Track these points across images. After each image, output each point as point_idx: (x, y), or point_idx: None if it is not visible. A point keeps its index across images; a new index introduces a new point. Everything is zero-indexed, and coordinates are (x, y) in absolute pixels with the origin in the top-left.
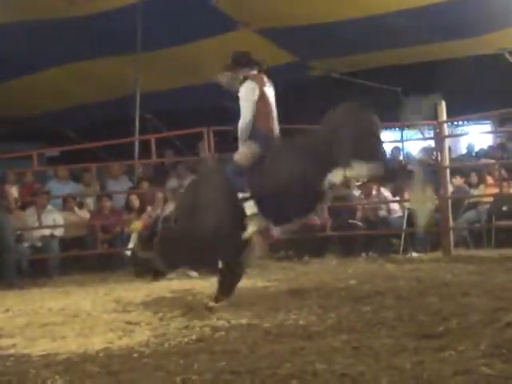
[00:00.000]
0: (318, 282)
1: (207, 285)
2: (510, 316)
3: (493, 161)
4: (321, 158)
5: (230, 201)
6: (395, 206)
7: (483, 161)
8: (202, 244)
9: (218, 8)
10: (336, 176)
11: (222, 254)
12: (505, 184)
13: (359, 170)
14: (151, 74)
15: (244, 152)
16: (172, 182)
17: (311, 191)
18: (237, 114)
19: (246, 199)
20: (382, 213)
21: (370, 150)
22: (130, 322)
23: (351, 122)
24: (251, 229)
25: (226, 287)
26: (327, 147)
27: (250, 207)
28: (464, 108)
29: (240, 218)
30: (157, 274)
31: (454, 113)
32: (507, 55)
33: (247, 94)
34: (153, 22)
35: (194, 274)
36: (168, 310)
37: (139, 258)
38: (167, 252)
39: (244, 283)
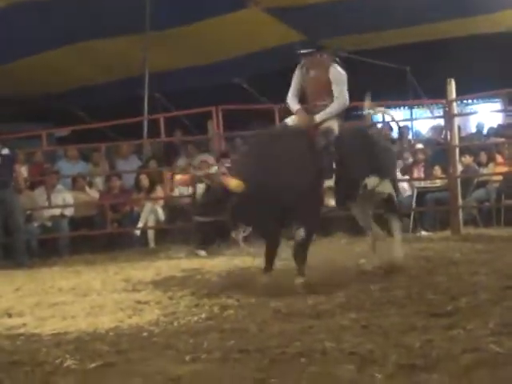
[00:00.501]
0: (327, 261)
1: (216, 263)
2: None
3: (503, 139)
4: (366, 160)
5: (315, 168)
6: (404, 185)
7: (493, 139)
8: (278, 207)
9: None
10: (371, 182)
11: (309, 220)
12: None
13: (385, 187)
14: (160, 53)
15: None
16: (181, 161)
17: (359, 183)
18: (248, 93)
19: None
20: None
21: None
22: (139, 301)
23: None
24: (329, 202)
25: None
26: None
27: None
28: (474, 86)
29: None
30: (207, 241)
31: (464, 91)
32: None
33: (344, 78)
34: (161, 0)
35: (202, 253)
36: (177, 288)
37: (202, 224)
38: (239, 213)
39: (252, 262)
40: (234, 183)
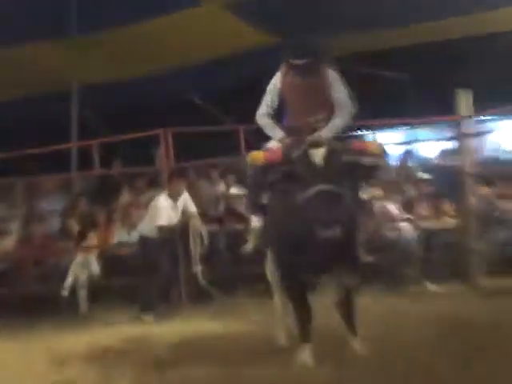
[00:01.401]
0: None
1: (164, 331)
2: None
3: None
4: None
5: None
6: (405, 226)
7: None
8: None
9: None
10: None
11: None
12: None
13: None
14: (93, 61)
15: None
16: (124, 198)
17: None
18: (202, 112)
19: None
20: (389, 233)
21: None
22: (67, 382)
23: None
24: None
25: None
26: None
27: None
28: (490, 99)
29: None
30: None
31: (479, 106)
32: None
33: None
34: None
35: (148, 317)
36: (117, 364)
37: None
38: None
39: (206, 327)
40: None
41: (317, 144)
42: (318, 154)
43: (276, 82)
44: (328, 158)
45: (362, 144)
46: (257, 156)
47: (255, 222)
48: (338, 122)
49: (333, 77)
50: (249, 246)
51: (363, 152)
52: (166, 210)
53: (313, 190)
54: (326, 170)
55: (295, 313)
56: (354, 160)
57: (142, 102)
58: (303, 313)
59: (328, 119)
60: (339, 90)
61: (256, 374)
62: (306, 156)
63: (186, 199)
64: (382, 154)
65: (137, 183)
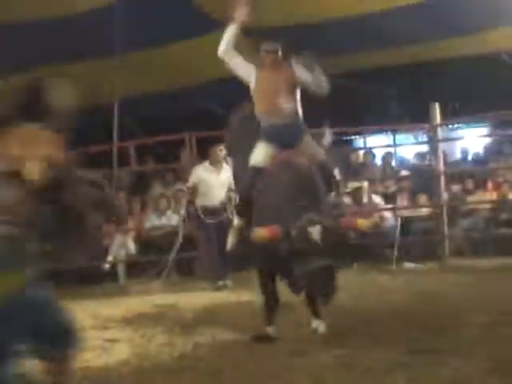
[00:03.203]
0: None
1: (190, 299)
2: (509, 331)
3: (495, 164)
4: None
5: None
6: (388, 215)
7: (492, 165)
8: None
9: (198, 7)
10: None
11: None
12: (504, 190)
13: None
14: (129, 78)
15: None
16: (156, 190)
17: None
18: (221, 119)
19: None
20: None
21: None
22: (108, 340)
23: None
24: None
25: None
26: None
27: None
28: (459, 111)
29: None
30: None
31: (449, 115)
32: (505, 56)
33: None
34: (131, 22)
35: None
36: (149, 326)
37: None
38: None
39: (228, 297)
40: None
41: (313, 222)
42: (315, 232)
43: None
44: (324, 235)
45: (350, 221)
46: (260, 234)
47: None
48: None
49: (296, 65)
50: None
51: (351, 229)
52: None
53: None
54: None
55: (263, 296)
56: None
57: (172, 111)
58: (270, 298)
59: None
60: (303, 71)
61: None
62: (305, 233)
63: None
64: (369, 229)
65: (166, 178)
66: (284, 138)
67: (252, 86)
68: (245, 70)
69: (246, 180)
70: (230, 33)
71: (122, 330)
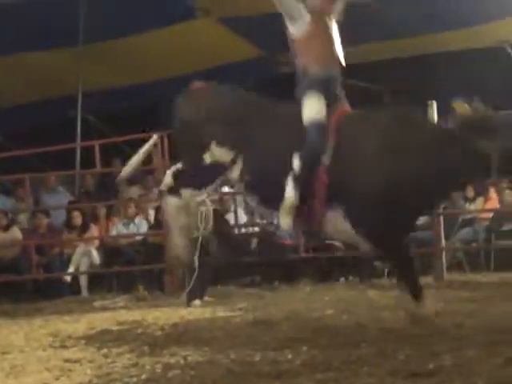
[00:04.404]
0: (289, 312)
1: (159, 315)
2: (510, 350)
3: None
4: None
5: None
6: None
7: None
8: None
9: None
10: None
11: None
12: (508, 198)
13: None
14: (95, 69)
15: None
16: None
17: None
18: None
19: None
20: None
21: None
22: (68, 360)
23: None
24: None
25: None
26: None
27: None
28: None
29: None
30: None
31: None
32: (509, 49)
33: None
34: (98, 8)
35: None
36: (114, 345)
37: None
38: None
39: (201, 313)
40: None
41: None
42: None
43: None
44: None
45: None
46: None
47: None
48: None
49: None
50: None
51: None
52: None
53: None
54: None
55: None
56: None
57: (141, 107)
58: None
59: None
60: None
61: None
62: None
63: None
64: None
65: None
66: (332, 90)
67: (300, 27)
68: (296, 8)
69: (315, 140)
70: None
71: (84, 349)
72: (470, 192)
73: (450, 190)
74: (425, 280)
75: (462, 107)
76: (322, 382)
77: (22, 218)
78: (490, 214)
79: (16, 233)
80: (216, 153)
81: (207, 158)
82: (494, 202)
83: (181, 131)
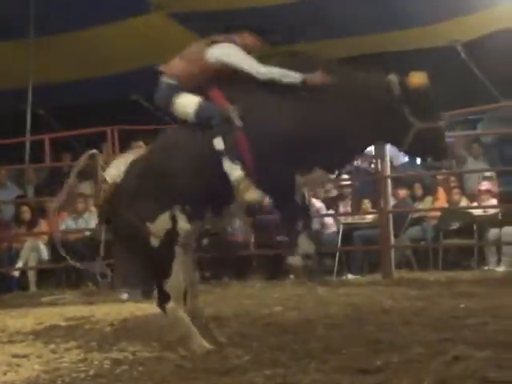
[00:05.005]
0: (238, 308)
1: (108, 311)
2: (458, 348)
3: (443, 170)
4: None
5: None
6: (329, 220)
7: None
8: None
9: None
10: None
11: None
12: (455, 197)
13: None
14: (46, 63)
15: None
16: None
17: None
18: (147, 112)
19: None
20: (314, 227)
21: None
22: (16, 355)
23: None
24: None
25: None
26: None
27: None
28: None
29: None
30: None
31: None
32: (459, 48)
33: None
34: (48, 1)
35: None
36: (62, 340)
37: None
38: None
39: (151, 308)
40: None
41: None
42: None
43: None
44: None
45: None
46: None
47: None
48: None
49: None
50: None
51: None
52: None
53: None
54: None
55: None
56: None
57: (92, 102)
58: None
59: None
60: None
61: None
62: None
63: None
64: None
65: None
66: None
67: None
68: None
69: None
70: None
71: (32, 344)
72: (418, 190)
73: (361, 141)
74: (374, 277)
75: (419, 78)
76: (270, 378)
77: None
78: (439, 213)
79: None
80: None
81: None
82: (442, 201)
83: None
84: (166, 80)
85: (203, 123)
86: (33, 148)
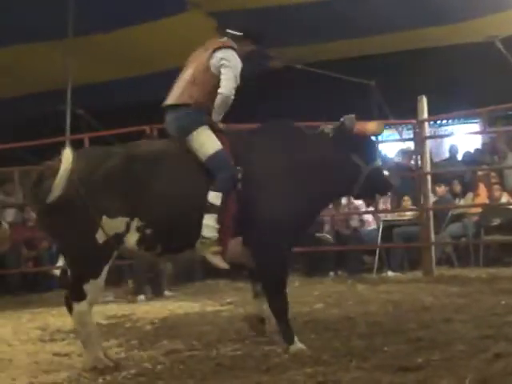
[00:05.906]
0: None
1: (148, 309)
2: (499, 346)
3: (485, 166)
4: None
5: None
6: (369, 218)
7: (483, 166)
8: None
9: None
10: None
11: None
12: (496, 193)
13: None
14: (84, 62)
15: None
16: None
17: None
18: None
19: None
20: (354, 224)
21: None
22: (57, 354)
23: None
24: None
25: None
26: None
27: None
28: (448, 105)
29: None
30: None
31: (437, 110)
32: (498, 44)
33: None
34: (87, 0)
35: (141, 297)
36: (103, 339)
37: None
38: None
39: (192, 307)
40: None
41: None
42: None
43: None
44: None
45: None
46: None
47: None
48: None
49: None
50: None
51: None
52: None
53: None
54: None
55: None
56: None
57: (130, 101)
58: None
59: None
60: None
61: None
62: None
63: None
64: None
65: None
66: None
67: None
68: None
69: (225, 167)
70: None
71: (72, 342)
72: (457, 187)
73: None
74: (414, 275)
75: (374, 127)
76: (310, 375)
77: (9, 212)
78: (479, 210)
79: (4, 228)
80: (109, 226)
81: (101, 237)
82: (483, 197)
83: (59, 214)
84: (185, 109)
85: (210, 169)
86: (73, 147)
